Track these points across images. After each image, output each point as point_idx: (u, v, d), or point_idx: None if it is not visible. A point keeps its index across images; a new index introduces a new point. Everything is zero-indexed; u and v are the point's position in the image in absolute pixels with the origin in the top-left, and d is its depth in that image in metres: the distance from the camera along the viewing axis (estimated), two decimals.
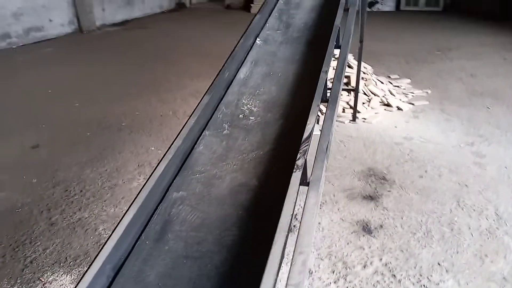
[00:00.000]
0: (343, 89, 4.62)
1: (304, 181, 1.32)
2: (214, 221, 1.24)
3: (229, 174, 1.43)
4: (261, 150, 1.54)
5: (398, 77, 5.96)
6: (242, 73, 2.00)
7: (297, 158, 1.34)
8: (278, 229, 0.97)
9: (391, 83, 5.48)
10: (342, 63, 2.09)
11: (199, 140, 1.57)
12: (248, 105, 1.79)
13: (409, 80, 5.75)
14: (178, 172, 1.42)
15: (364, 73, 5.09)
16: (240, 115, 1.73)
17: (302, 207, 1.08)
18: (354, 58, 5.43)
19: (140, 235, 1.18)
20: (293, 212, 1.07)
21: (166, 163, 1.31)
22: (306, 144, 1.40)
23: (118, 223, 1.08)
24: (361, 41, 4.04)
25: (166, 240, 1.17)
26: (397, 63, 6.77)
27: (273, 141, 1.59)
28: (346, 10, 2.62)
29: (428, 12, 12.86)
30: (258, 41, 2.29)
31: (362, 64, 5.35)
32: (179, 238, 1.18)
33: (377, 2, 13.84)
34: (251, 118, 1.72)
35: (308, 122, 1.50)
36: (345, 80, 4.85)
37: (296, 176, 1.26)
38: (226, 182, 1.40)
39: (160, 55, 7.73)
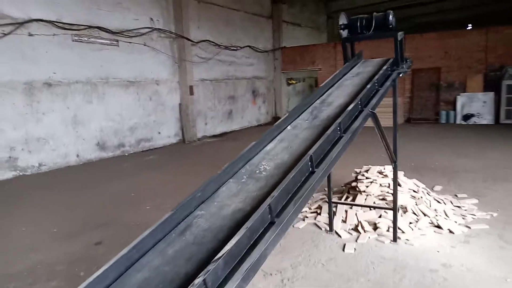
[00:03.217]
0: (385, 208, 4.54)
1: None
2: (218, 227, 1.90)
3: (235, 204, 2.08)
4: (261, 191, 2.16)
5: (466, 196, 5.59)
6: (269, 146, 2.70)
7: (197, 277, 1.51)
8: None
9: (452, 203, 5.17)
10: (307, 188, 2.24)
11: (224, 184, 2.28)
12: (265, 166, 2.43)
13: (476, 201, 5.34)
14: (204, 201, 2.14)
15: (415, 191, 4.95)
16: (257, 171, 2.38)
17: None
18: (404, 175, 5.37)
19: (173, 229, 1.92)
20: None
21: (195, 195, 2.09)
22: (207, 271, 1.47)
23: (160, 220, 1.87)
24: (393, 161, 4.08)
25: (184, 234, 1.88)
26: (472, 181, 6.36)
27: (270, 186, 2.19)
28: (340, 137, 2.78)
29: None
30: (289, 127, 2.96)
31: (415, 181, 5.25)
32: (192, 233, 1.88)
33: (473, 115, 13.38)
34: (263, 173, 2.36)
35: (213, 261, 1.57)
36: (390, 198, 4.77)
37: None
38: (232, 207, 2.05)
39: None
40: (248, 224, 1.79)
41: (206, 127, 13.59)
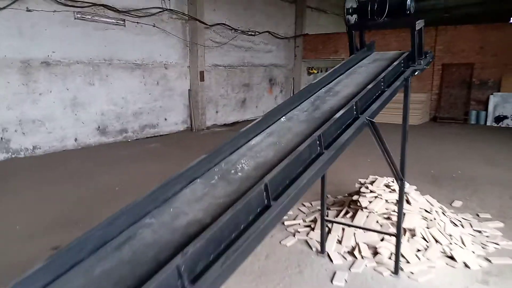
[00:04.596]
0: (386, 233, 3.82)
1: None
2: (163, 242, 1.51)
3: (194, 212, 1.68)
4: (228, 198, 1.74)
5: (489, 217, 4.79)
6: (254, 141, 2.25)
7: None
8: None
9: (471, 226, 4.39)
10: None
11: (189, 184, 1.86)
12: (243, 164, 2.02)
13: (501, 224, 4.54)
14: (159, 205, 1.73)
15: (427, 211, 4.20)
16: (232, 171, 1.97)
17: None
18: (421, 186, 4.61)
19: (110, 241, 1.51)
20: None
21: (151, 196, 1.69)
22: None
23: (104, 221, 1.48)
24: (400, 179, 3.34)
25: (122, 249, 1.49)
26: (498, 197, 5.52)
27: (242, 192, 1.75)
28: (320, 154, 2.12)
29: None
30: (283, 118, 2.50)
31: (428, 198, 4.50)
32: (131, 248, 1.49)
33: (506, 118, 12.28)
34: (239, 173, 1.94)
35: None
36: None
37: None
38: (189, 216, 1.65)
39: None
40: None
41: (217, 116, 13.00)
